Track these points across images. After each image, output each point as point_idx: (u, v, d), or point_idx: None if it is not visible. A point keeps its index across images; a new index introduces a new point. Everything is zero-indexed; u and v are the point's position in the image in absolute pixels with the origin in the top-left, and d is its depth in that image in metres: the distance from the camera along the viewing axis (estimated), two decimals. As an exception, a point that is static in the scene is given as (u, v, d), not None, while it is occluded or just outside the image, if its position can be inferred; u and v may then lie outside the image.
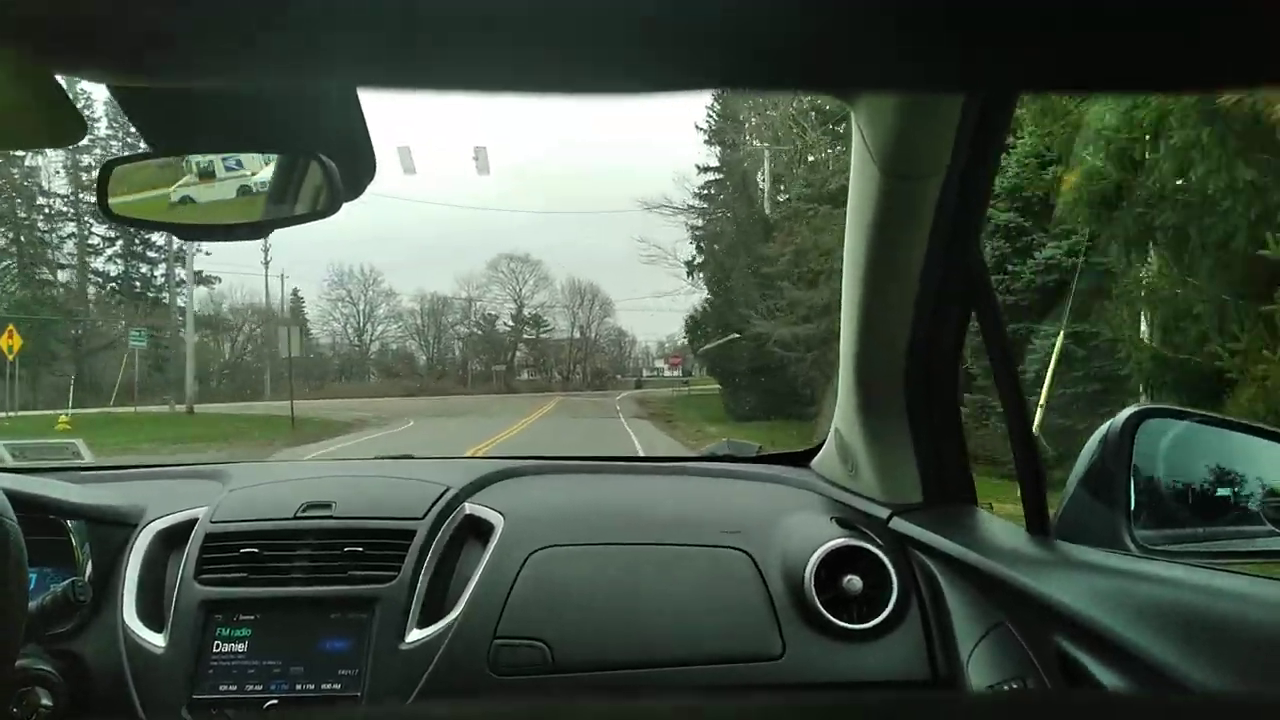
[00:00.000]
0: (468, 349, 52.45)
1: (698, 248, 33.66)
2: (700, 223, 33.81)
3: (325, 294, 50.15)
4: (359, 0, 0.21)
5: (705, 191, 34.22)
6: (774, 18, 0.21)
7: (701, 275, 33.42)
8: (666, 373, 49.77)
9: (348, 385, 45.44)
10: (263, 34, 0.22)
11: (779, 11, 0.21)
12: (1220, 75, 0.25)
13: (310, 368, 47.10)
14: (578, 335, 54.08)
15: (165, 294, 38.54)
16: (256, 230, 0.82)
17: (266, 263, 41.39)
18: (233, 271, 43.67)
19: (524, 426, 19.10)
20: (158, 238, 35.63)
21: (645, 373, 53.01)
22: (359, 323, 50.50)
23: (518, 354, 53.52)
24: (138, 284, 38.54)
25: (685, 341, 40.65)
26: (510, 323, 53.32)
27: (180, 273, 35.84)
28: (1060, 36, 0.22)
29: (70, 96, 0.53)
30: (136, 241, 36.91)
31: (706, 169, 33.28)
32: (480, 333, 52.70)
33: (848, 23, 0.22)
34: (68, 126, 0.53)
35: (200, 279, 38.96)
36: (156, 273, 38.89)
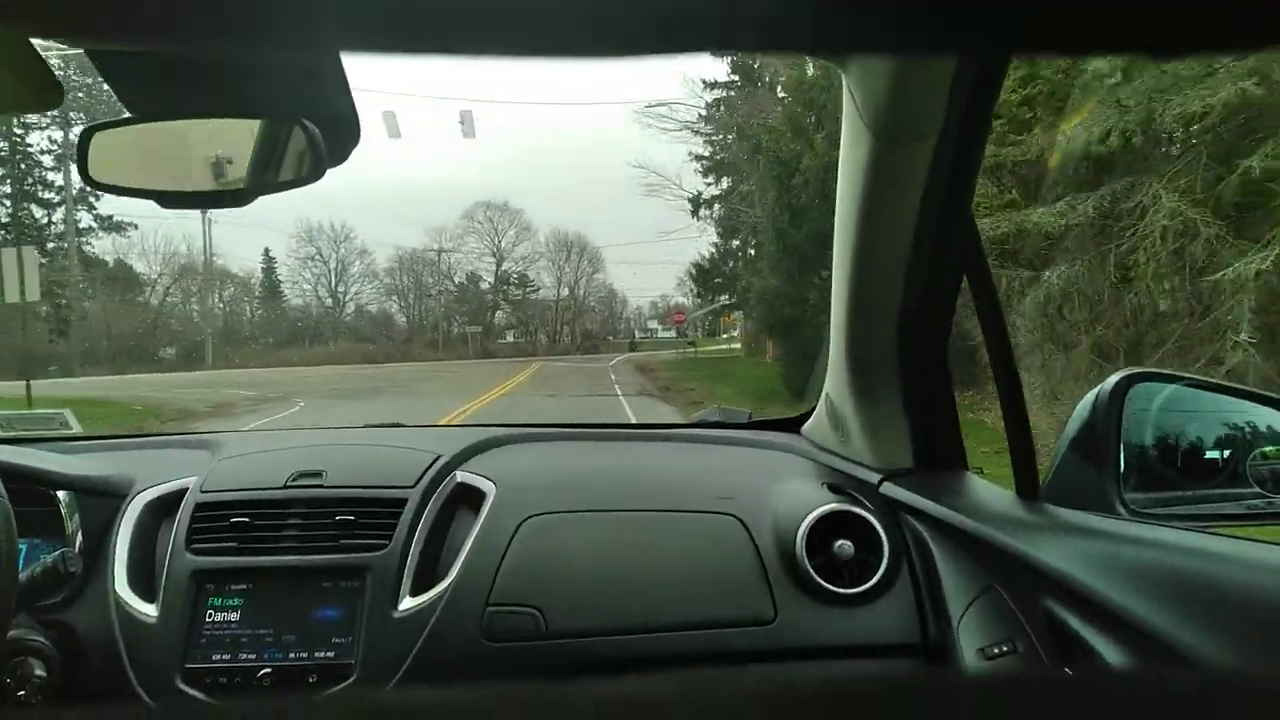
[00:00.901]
0: (437, 310, 46.57)
1: (711, 170, 27.62)
2: (706, 151, 27.98)
3: (293, 252, 44.79)
4: None
5: (717, 111, 27.61)
6: None
7: (713, 211, 28.04)
8: (661, 333, 46.60)
9: (301, 351, 39.65)
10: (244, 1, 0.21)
11: None
12: (1215, 37, 0.24)
13: (277, 331, 42.66)
14: (565, 293, 48.36)
15: (65, 244, 32.34)
16: (240, 197, 0.81)
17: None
18: (151, 215, 36.61)
19: (463, 416, 12.57)
20: (56, 177, 31.95)
21: (638, 334, 48.94)
22: (330, 283, 44.96)
23: (498, 314, 47.88)
24: (30, 231, 30.96)
25: (693, 295, 35.80)
26: (489, 279, 47.67)
27: (80, 215, 31.25)
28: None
29: (45, 62, 0.51)
30: (29, 181, 31.31)
31: (715, 84, 27.33)
32: (455, 291, 46.92)
33: None
34: (44, 92, 0.52)
35: (109, 224, 33.99)
36: (55, 219, 32.54)
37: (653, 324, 49.96)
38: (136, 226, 35.29)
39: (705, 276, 31.33)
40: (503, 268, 47.47)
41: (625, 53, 0.24)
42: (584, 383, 20.69)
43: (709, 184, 28.47)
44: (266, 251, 43.48)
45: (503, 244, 47.25)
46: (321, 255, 44.83)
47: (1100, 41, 0.25)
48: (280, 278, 44.40)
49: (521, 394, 17.19)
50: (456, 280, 47.60)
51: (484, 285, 47.92)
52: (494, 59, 0.24)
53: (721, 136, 26.96)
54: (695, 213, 28.69)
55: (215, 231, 43.06)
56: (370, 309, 46.84)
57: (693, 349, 31.49)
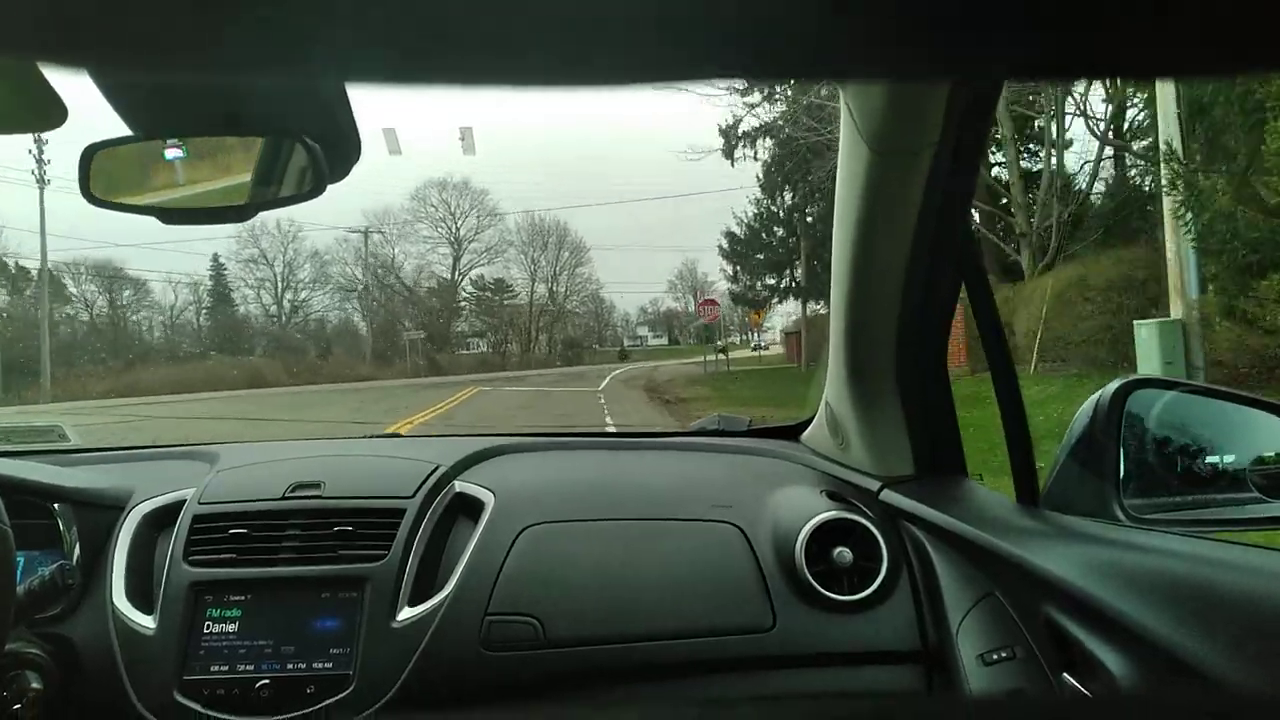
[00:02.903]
0: (373, 312, 36.13)
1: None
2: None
3: (235, 253, 36.32)
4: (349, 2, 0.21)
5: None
6: (760, 8, 0.21)
7: (756, 150, 18.60)
8: (651, 340, 41.11)
9: (170, 371, 28.74)
10: (248, 31, 0.22)
11: (765, 2, 0.21)
12: (1209, 62, 0.25)
13: (175, 347, 33.28)
14: (540, 291, 38.53)
15: None
16: (241, 213, 0.81)
17: (42, 176, 25.39)
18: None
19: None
20: None
21: (627, 341, 41.24)
22: (276, 289, 36.00)
23: (457, 318, 37.85)
24: None
25: (727, 276, 25.89)
26: (445, 275, 37.64)
27: None
28: (1046, 25, 0.22)
29: (48, 80, 0.52)
30: None
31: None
32: (400, 289, 36.68)
33: (834, 13, 0.21)
34: (49, 111, 0.52)
35: None
36: None
37: (642, 330, 43.56)
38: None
39: (744, 250, 23.19)
40: (462, 261, 38.20)
41: (623, 81, 0.24)
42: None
43: (750, 107, 18.27)
44: (215, 258, 36.36)
45: (462, 231, 37.97)
46: (266, 257, 36.49)
47: (1090, 66, 0.25)
48: (228, 284, 36.63)
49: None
50: (402, 275, 37.90)
51: (438, 282, 38.48)
52: (493, 88, 0.24)
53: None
54: (729, 152, 19.21)
55: (116, 224, 30.48)
56: (330, 318, 38.01)
57: (723, 356, 22.16)
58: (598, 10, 0.21)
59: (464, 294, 38.54)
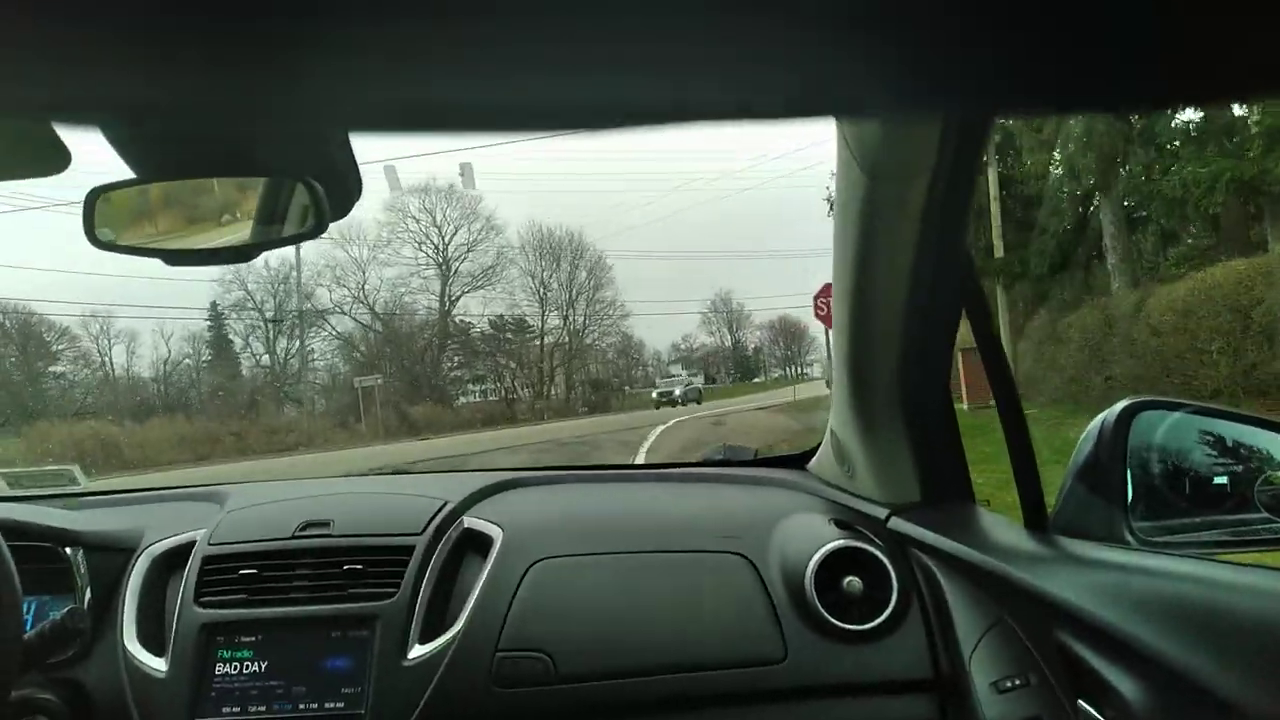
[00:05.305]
0: (302, 354, 26.26)
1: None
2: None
3: (219, 296, 26.60)
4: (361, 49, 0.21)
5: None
6: (753, 50, 0.22)
7: None
8: (682, 378, 33.40)
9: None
10: (252, 79, 0.22)
11: (757, 42, 0.21)
12: (1200, 90, 0.25)
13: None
14: (554, 322, 29.57)
15: None
16: (244, 253, 0.82)
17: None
18: None
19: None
20: None
21: (659, 381, 32.88)
22: (267, 335, 26.62)
23: (444, 357, 28.61)
24: None
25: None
26: (432, 302, 28.12)
27: None
28: (1036, 59, 0.22)
29: (51, 126, 0.52)
30: None
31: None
32: (377, 328, 27.40)
33: (829, 52, 0.22)
34: (52, 156, 0.53)
35: None
36: None
37: (675, 369, 36.34)
38: None
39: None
40: (453, 286, 28.51)
41: (615, 125, 0.24)
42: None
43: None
44: (213, 305, 26.97)
45: (449, 245, 28.35)
46: (254, 300, 26.99)
47: (1082, 100, 0.25)
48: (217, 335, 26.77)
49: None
50: (375, 305, 27.82)
51: (420, 313, 29.01)
52: (496, 134, 0.25)
53: None
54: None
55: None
56: (340, 366, 27.58)
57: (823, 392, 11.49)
58: (592, 56, 0.22)
59: (477, 335, 30.04)
